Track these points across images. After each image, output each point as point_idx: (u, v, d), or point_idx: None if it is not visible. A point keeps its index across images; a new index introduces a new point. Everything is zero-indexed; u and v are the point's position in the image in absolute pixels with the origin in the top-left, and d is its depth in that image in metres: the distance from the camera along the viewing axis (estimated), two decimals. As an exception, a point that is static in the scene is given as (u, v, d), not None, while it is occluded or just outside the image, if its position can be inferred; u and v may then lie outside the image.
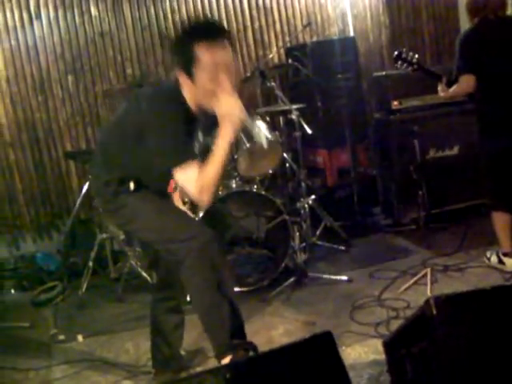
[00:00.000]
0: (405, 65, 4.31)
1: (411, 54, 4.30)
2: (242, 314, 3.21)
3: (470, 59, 4.16)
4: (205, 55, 2.81)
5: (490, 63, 4.11)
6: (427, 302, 2.27)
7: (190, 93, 2.93)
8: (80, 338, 4.21)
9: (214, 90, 2.81)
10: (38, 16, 5.69)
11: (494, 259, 4.41)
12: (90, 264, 4.92)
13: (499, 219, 4.34)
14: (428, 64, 6.49)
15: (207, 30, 2.89)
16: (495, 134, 4.21)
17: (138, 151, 2.97)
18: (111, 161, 3.10)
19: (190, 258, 2.89)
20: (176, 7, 6.08)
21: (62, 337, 4.23)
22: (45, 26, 5.70)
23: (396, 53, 4.34)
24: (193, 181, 2.79)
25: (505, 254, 4.34)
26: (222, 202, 4.43)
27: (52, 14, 5.72)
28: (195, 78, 2.85)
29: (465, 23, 6.71)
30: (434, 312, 2.22)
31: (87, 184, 5.07)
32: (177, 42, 3.01)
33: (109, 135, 3.24)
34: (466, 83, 4.14)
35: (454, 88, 4.24)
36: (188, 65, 2.84)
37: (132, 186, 3.02)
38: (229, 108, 2.80)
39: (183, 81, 2.92)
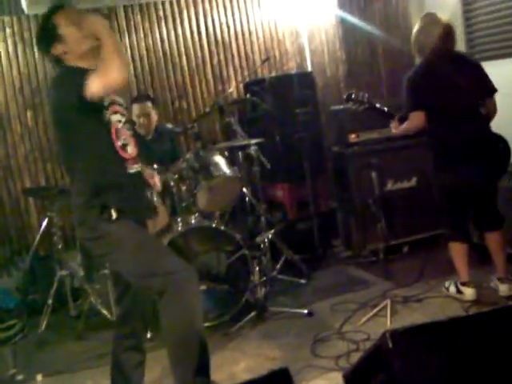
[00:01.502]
0: (356, 105, 4.37)
1: (361, 93, 4.37)
2: (208, 350, 3.20)
3: (418, 96, 4.25)
4: (65, 26, 3.07)
5: (437, 98, 4.20)
6: (383, 335, 2.28)
7: (71, 56, 3.09)
8: (39, 377, 4.16)
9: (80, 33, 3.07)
10: (-4, 51, 5.70)
11: (452, 289, 4.47)
12: (50, 301, 4.86)
13: (456, 250, 4.40)
14: (385, 98, 6.64)
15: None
16: (447, 166, 4.28)
17: (81, 138, 3.06)
18: (81, 173, 3.11)
19: (170, 291, 2.94)
20: (135, 43, 6.12)
21: (20, 376, 4.17)
22: (4, 61, 5.69)
23: (346, 94, 4.40)
24: (95, 78, 2.89)
25: (463, 284, 4.40)
26: (181, 237, 4.44)
27: (11, 49, 5.72)
28: (64, 40, 3.07)
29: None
30: (390, 345, 2.23)
31: (46, 220, 5.03)
32: (40, 29, 3.21)
33: (64, 151, 3.25)
34: (417, 119, 4.22)
35: (404, 125, 4.32)
36: (53, 36, 3.08)
37: (114, 214, 3.02)
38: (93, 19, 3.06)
39: (60, 54, 3.09)
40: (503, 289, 4.38)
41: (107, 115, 3.09)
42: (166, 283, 2.97)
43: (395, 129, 4.41)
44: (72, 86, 2.90)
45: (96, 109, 3.02)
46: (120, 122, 3.15)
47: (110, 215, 3.01)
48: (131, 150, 3.20)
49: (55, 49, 3.08)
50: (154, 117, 5.38)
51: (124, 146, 3.15)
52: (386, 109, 4.44)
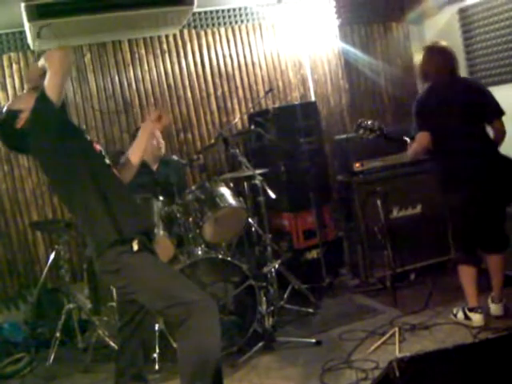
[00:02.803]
0: (367, 132, 4.41)
1: (371, 121, 4.43)
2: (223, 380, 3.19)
3: (423, 118, 4.32)
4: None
5: (441, 121, 4.26)
6: (390, 363, 2.29)
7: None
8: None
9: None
10: (4, 86, 5.76)
11: (460, 315, 4.46)
12: (58, 334, 4.87)
13: (465, 273, 4.40)
14: (389, 125, 6.67)
15: None
16: (455, 188, 4.32)
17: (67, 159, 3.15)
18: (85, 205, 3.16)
19: (191, 319, 2.96)
20: (140, 76, 6.19)
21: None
22: (11, 97, 5.74)
23: (357, 123, 4.45)
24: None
25: (471, 310, 4.38)
26: (188, 268, 4.44)
27: (17, 85, 5.78)
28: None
29: (422, 85, 6.95)
30: (397, 374, 2.24)
31: (53, 253, 5.06)
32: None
33: (60, 188, 3.33)
34: (422, 139, 4.28)
35: (413, 147, 4.37)
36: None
37: (135, 246, 3.05)
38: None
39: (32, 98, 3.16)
40: (494, 309, 4.48)
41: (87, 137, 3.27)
42: (187, 312, 2.98)
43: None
44: (41, 111, 3.05)
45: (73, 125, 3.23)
46: (98, 143, 3.30)
47: (132, 247, 3.04)
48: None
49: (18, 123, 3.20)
50: (163, 144, 5.39)
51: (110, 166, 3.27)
52: (396, 135, 4.49)
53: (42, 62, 3.15)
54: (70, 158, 3.12)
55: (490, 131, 4.41)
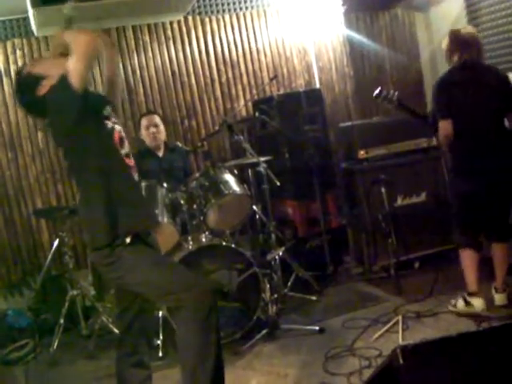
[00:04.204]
0: (385, 102, 4.40)
1: (391, 92, 4.39)
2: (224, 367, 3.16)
3: (444, 104, 4.26)
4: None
5: (461, 105, 4.21)
6: (394, 351, 2.28)
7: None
8: (51, 396, 4.16)
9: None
10: (8, 73, 5.75)
11: (460, 304, 4.43)
12: (61, 321, 4.88)
13: (467, 258, 4.39)
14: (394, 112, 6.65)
15: None
16: (465, 172, 4.30)
17: (86, 145, 3.05)
18: (89, 186, 3.12)
19: (187, 306, 2.95)
20: (144, 63, 6.17)
21: (33, 396, 4.18)
22: (14, 81, 5.74)
23: (376, 92, 4.41)
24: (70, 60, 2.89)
25: (471, 294, 4.37)
26: (192, 255, 4.44)
27: (21, 71, 5.77)
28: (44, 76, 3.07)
29: (427, 72, 6.92)
30: (401, 361, 2.23)
31: (57, 240, 5.06)
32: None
33: (70, 162, 3.27)
34: (444, 129, 4.21)
35: (439, 138, 4.34)
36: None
37: (128, 239, 3.03)
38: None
39: (56, 65, 3.05)
40: (498, 298, 4.45)
41: (109, 124, 3.12)
42: (183, 299, 2.98)
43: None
44: (63, 90, 2.92)
45: (95, 111, 3.06)
46: (121, 132, 3.19)
47: (124, 241, 3.04)
48: (132, 160, 3.26)
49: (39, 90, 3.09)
50: (163, 129, 5.44)
51: (127, 155, 3.19)
52: (414, 109, 4.47)
53: (67, 39, 3.02)
54: (84, 150, 3.08)
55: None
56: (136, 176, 3.25)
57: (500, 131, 4.32)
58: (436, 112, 4.32)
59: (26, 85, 3.14)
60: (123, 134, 3.21)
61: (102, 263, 3.13)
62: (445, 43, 4.39)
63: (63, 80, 2.88)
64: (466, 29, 4.48)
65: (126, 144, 3.22)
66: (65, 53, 3.02)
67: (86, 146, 3.06)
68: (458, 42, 4.32)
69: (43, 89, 3.05)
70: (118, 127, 3.17)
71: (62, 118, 3.00)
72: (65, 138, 3.09)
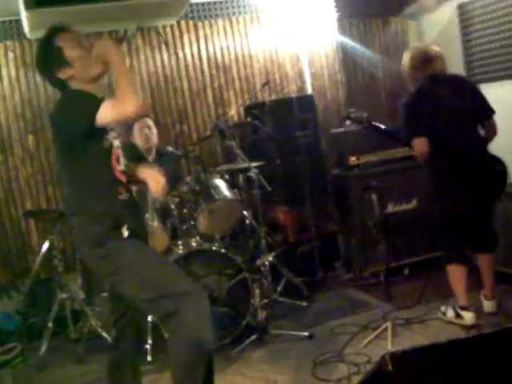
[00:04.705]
0: (356, 123, 4.40)
1: (360, 112, 4.40)
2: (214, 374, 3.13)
3: (416, 123, 4.26)
4: (71, 49, 3.02)
5: (432, 122, 4.21)
6: (383, 357, 2.27)
7: (77, 79, 3.05)
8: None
9: (87, 57, 3.01)
10: (-1, 75, 5.74)
11: (450, 314, 4.43)
12: (50, 324, 4.85)
13: (454, 272, 4.38)
14: (385, 121, 6.65)
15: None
16: (446, 189, 4.28)
17: (84, 161, 3.03)
18: (81, 194, 3.10)
19: (181, 312, 2.88)
20: (136, 67, 6.16)
21: (20, 400, 4.15)
22: (6, 85, 5.74)
23: (345, 113, 4.44)
24: (110, 107, 2.85)
25: (462, 308, 4.36)
26: (182, 260, 4.43)
27: (13, 74, 5.76)
28: (71, 63, 3.02)
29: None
30: (390, 368, 2.22)
31: (47, 243, 5.04)
32: (41, 53, 3.13)
33: (65, 173, 3.21)
34: (421, 146, 4.18)
35: (416, 154, 4.31)
36: (59, 59, 3.01)
37: (125, 232, 2.99)
38: (103, 45, 3.02)
39: (66, 75, 3.04)
40: (487, 305, 4.46)
41: (109, 139, 3.09)
42: (177, 303, 2.90)
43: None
44: (82, 111, 2.88)
45: (100, 133, 3.00)
46: (119, 147, 3.16)
47: (121, 233, 3.01)
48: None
49: (62, 72, 3.03)
50: (155, 132, 5.44)
51: (123, 172, 3.16)
52: (384, 127, 4.46)
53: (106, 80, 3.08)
54: (82, 156, 3.04)
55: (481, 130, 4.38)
56: (126, 194, 3.20)
57: (476, 141, 4.31)
58: (408, 131, 4.29)
59: (48, 55, 3.08)
60: (119, 150, 3.17)
61: (93, 255, 3.05)
62: (407, 62, 4.41)
63: (97, 101, 2.88)
64: (423, 45, 4.50)
65: (123, 160, 3.19)
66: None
67: (85, 161, 3.03)
68: (423, 57, 4.34)
69: (64, 74, 3.03)
70: (116, 143, 3.13)
71: (69, 128, 2.95)
72: (66, 143, 3.06)
